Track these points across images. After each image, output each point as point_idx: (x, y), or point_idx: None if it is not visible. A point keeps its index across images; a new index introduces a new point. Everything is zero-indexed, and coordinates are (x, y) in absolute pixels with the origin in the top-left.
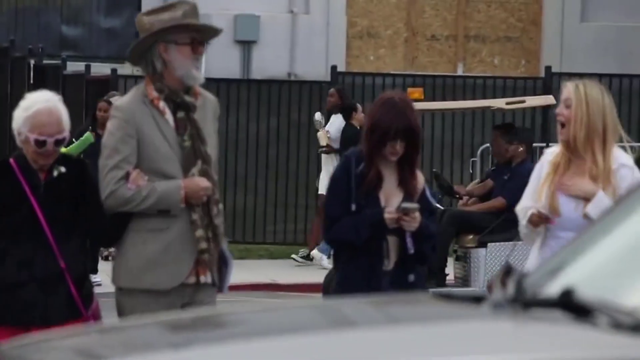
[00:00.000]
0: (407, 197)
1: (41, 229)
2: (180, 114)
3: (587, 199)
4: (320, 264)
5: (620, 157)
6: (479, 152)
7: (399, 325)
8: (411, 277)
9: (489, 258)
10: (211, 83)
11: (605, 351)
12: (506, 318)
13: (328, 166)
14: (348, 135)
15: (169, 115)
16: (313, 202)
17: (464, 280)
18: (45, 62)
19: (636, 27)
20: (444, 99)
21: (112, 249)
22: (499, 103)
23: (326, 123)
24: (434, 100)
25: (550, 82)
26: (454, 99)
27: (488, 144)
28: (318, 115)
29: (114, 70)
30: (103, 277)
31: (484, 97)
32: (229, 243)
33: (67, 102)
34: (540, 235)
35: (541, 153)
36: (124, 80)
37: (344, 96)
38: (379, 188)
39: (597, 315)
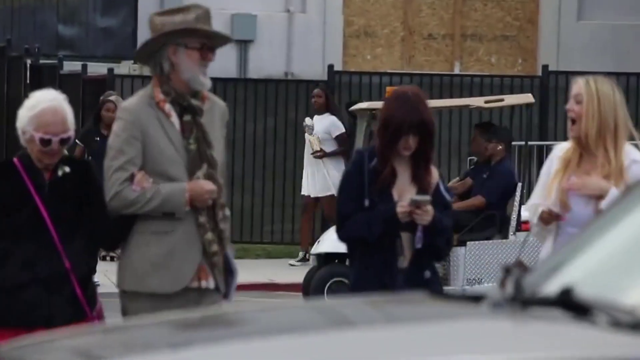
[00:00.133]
0: (421, 192)
1: (45, 228)
2: (187, 117)
3: (599, 195)
4: None
5: (632, 153)
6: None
7: (398, 324)
8: (427, 274)
9: (468, 256)
10: None
11: (605, 350)
12: (505, 317)
13: (320, 168)
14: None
15: (174, 118)
16: None
17: (444, 279)
18: (41, 61)
19: (632, 26)
20: (440, 98)
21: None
22: (478, 102)
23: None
24: (431, 99)
25: (547, 81)
26: (451, 98)
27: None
28: (309, 121)
29: (110, 70)
30: (100, 277)
31: (481, 96)
32: None
33: None
34: (552, 232)
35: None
36: (120, 79)
37: (330, 96)
38: (392, 184)
39: (596, 313)
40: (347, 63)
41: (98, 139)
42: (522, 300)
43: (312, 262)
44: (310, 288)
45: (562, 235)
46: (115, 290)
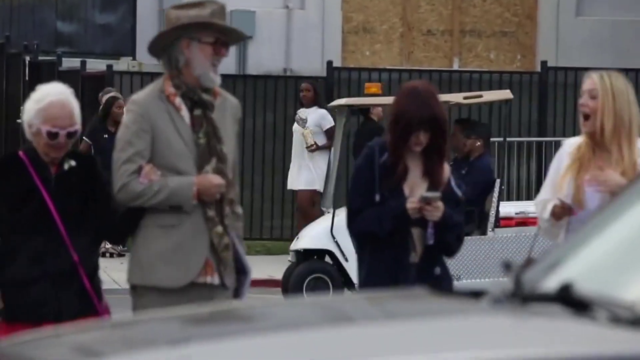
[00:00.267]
0: (432, 187)
1: (53, 222)
2: (197, 112)
3: (614, 192)
4: None
5: None
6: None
7: (398, 320)
8: (437, 270)
9: None
10: None
11: (605, 346)
12: (505, 313)
13: (307, 162)
14: (368, 129)
15: (185, 112)
16: None
17: None
18: (40, 58)
19: (631, 22)
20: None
21: (109, 246)
22: (457, 98)
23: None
24: None
25: (546, 77)
26: (450, 94)
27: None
28: (303, 113)
29: (109, 67)
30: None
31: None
32: None
33: None
34: (563, 228)
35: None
36: (119, 76)
37: (318, 91)
38: (404, 179)
39: (596, 309)
40: (346, 59)
41: (106, 136)
42: (522, 296)
43: (291, 258)
44: (289, 284)
45: (572, 232)
46: (115, 286)
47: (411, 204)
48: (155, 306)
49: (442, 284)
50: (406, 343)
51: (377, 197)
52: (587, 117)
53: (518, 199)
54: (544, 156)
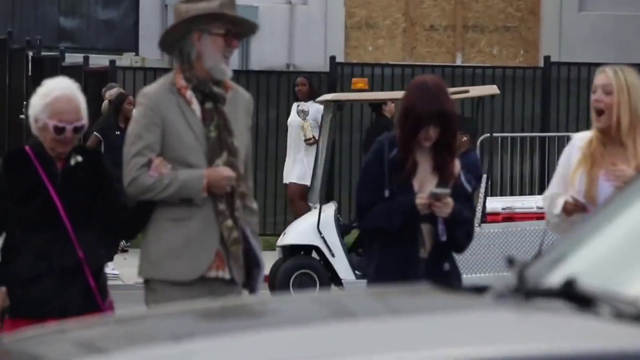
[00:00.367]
0: (442, 183)
1: (59, 218)
2: (208, 105)
3: None
4: None
5: None
6: (478, 142)
7: (402, 316)
8: (446, 266)
9: None
10: None
11: (608, 341)
12: (508, 308)
13: (301, 156)
14: (380, 126)
15: (195, 105)
16: None
17: None
18: (43, 53)
19: (634, 17)
20: None
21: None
22: None
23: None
24: None
25: (549, 72)
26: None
27: (488, 134)
28: (305, 106)
29: (112, 62)
30: None
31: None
32: None
33: None
34: (574, 224)
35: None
36: (122, 71)
37: (313, 85)
38: (413, 175)
39: (599, 305)
40: (349, 55)
41: (118, 132)
42: (526, 292)
43: (277, 254)
44: (275, 280)
45: None
46: (119, 282)
47: (420, 200)
48: (167, 300)
49: (451, 280)
50: (410, 338)
51: (387, 193)
52: (601, 112)
53: (522, 194)
54: (547, 151)
